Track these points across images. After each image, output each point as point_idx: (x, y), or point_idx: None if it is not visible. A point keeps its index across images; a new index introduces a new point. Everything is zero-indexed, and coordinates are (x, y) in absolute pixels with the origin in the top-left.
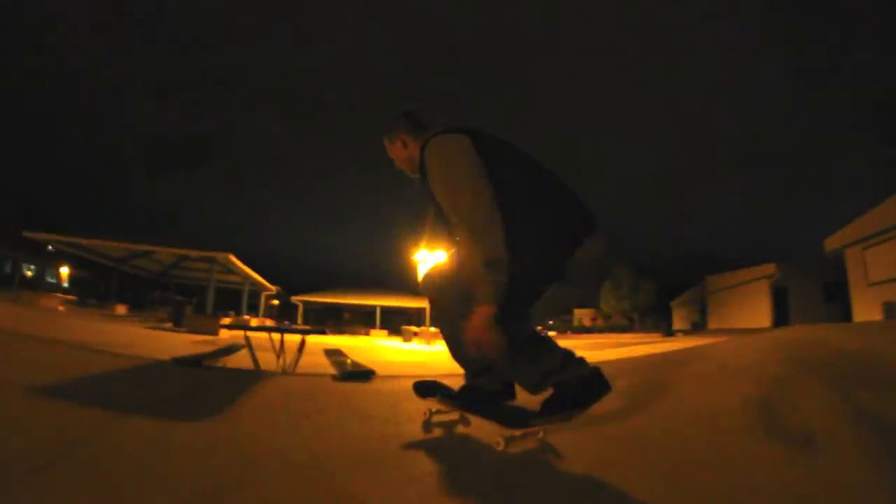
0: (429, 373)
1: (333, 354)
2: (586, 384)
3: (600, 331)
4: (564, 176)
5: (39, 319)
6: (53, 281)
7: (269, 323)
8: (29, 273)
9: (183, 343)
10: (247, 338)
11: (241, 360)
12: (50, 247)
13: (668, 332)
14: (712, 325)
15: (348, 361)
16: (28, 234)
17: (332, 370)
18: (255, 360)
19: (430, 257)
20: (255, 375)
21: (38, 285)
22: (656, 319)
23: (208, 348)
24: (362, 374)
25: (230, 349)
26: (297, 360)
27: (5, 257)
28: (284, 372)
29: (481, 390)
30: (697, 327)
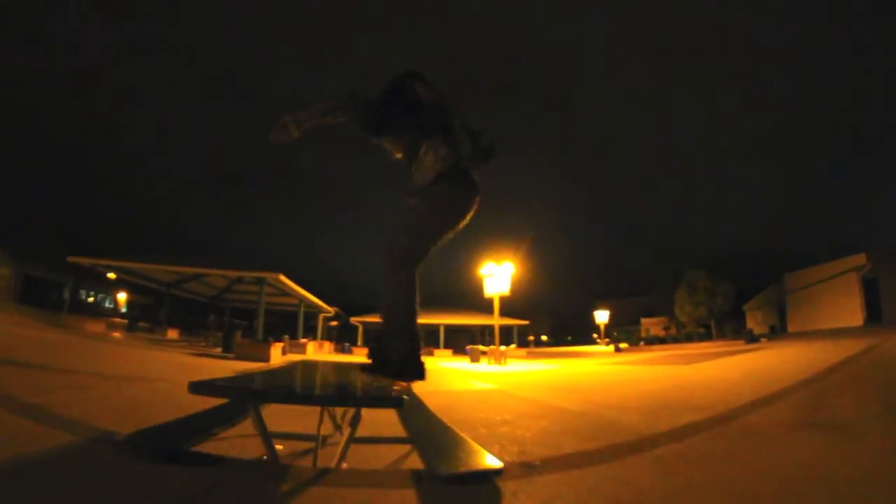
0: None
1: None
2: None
3: (676, 340)
4: None
5: (71, 346)
6: (111, 306)
7: (327, 345)
8: (91, 299)
9: (220, 376)
10: (256, 415)
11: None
12: (111, 274)
13: (752, 339)
14: (792, 327)
15: (431, 428)
16: (73, 259)
17: (404, 436)
18: (269, 448)
19: (497, 270)
20: (264, 485)
21: (96, 310)
22: (734, 325)
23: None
24: (475, 477)
25: (230, 416)
26: (345, 449)
27: (62, 283)
28: (321, 476)
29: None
30: (776, 331)
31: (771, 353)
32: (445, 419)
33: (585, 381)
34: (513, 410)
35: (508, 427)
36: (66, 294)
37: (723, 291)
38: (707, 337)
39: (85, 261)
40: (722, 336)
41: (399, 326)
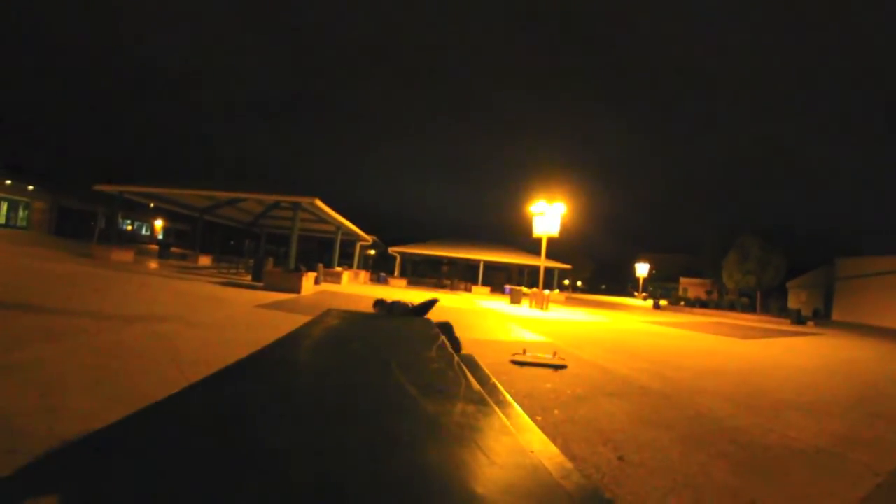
0: None
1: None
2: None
3: (718, 306)
4: None
5: (84, 280)
6: (147, 233)
7: (363, 275)
8: (129, 227)
9: (239, 312)
10: None
11: None
12: (152, 204)
13: (799, 320)
14: (837, 315)
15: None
16: (99, 187)
17: None
18: None
19: (548, 209)
20: None
21: (132, 238)
22: (779, 301)
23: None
24: None
25: None
26: None
27: (97, 213)
28: None
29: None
30: (819, 315)
31: (834, 342)
32: (503, 385)
33: (643, 343)
34: (582, 381)
35: (587, 408)
36: (101, 224)
37: (776, 264)
38: (750, 308)
39: (112, 188)
40: (766, 311)
41: None
